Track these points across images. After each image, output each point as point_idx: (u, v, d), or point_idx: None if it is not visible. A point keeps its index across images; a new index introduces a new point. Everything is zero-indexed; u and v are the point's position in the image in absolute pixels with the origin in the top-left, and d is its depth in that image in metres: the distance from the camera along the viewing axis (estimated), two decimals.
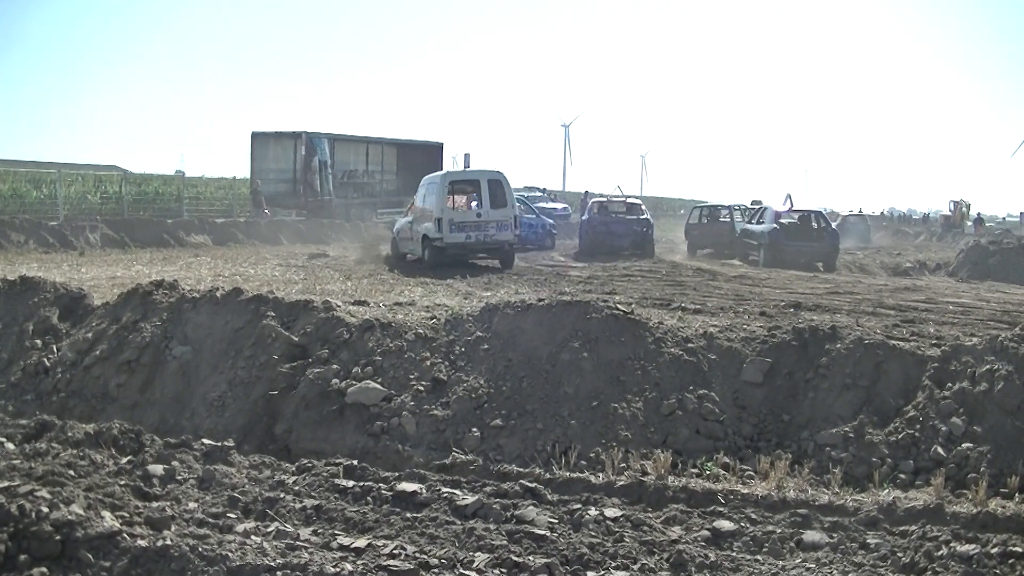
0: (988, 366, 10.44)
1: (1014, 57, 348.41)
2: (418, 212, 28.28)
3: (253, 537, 7.41)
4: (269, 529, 7.75)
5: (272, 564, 6.80)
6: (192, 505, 8.22)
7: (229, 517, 8.00)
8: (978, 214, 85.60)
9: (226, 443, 9.99)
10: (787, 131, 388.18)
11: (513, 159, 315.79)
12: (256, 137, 47.25)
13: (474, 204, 28.05)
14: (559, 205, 63.50)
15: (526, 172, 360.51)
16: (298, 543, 7.48)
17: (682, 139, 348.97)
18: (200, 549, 6.71)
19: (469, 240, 26.59)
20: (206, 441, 10.00)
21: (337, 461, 9.71)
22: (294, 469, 9.60)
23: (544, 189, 76.63)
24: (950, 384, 10.52)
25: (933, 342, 11.88)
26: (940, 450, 9.82)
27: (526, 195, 64.69)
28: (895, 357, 11.00)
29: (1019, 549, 7.87)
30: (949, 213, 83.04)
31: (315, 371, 11.20)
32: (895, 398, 10.63)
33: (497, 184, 27.37)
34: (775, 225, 32.11)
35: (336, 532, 7.99)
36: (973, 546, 7.94)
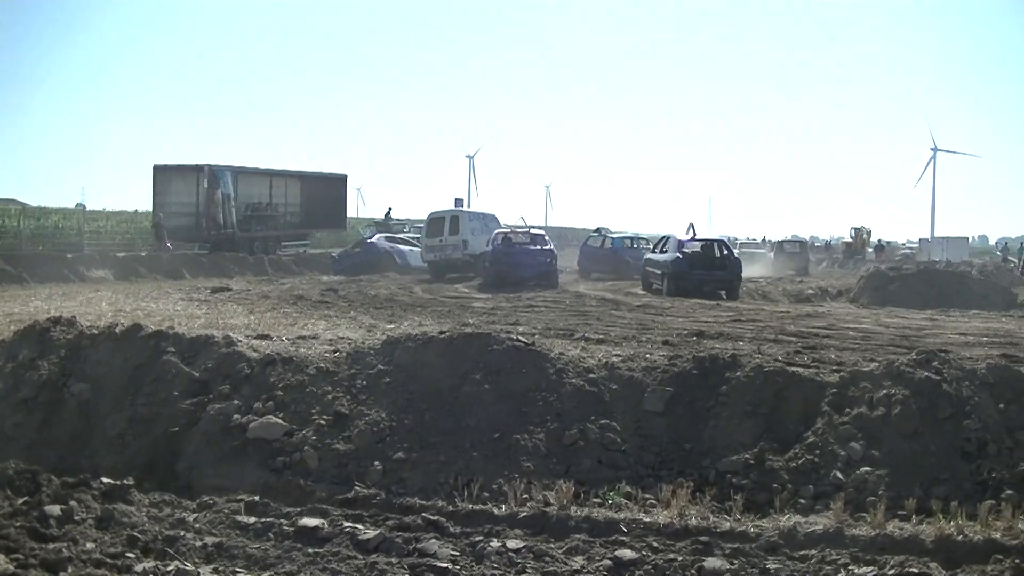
0: (885, 391, 10.66)
1: (915, 88, 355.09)
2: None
3: None
4: (169, 568, 7.70)
5: None
6: (90, 545, 8.11)
7: (128, 557, 7.93)
8: (879, 240, 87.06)
9: (126, 481, 9.84)
10: (691, 160, 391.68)
11: (418, 190, 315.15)
12: (158, 170, 46.80)
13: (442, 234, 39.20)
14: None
15: (432, 203, 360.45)
16: None
17: (587, 169, 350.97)
18: None
19: (436, 258, 39.67)
20: (105, 480, 9.83)
21: (239, 497, 9.64)
22: (195, 506, 9.52)
23: None
24: (849, 409, 10.72)
25: (834, 368, 12.06)
26: (839, 474, 9.99)
27: None
28: (794, 384, 11.18)
29: (915, 570, 8.06)
30: (851, 240, 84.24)
31: (216, 407, 11.10)
32: (795, 424, 10.79)
33: (455, 219, 40.05)
34: (678, 254, 32.34)
35: (237, 569, 7.98)
36: (871, 568, 8.13)
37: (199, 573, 7.71)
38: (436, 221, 40.65)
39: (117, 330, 12.72)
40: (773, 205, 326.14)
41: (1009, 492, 9.56)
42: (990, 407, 10.64)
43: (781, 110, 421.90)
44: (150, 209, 48.73)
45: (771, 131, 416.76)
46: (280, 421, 10.84)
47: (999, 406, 10.69)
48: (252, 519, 9.11)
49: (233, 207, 46.94)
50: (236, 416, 10.96)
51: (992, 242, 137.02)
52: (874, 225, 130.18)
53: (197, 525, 8.89)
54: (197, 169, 45.97)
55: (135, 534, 8.39)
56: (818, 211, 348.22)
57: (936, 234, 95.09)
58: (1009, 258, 67.69)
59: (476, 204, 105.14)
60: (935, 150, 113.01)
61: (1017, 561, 8.22)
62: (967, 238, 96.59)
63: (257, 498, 9.69)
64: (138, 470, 10.59)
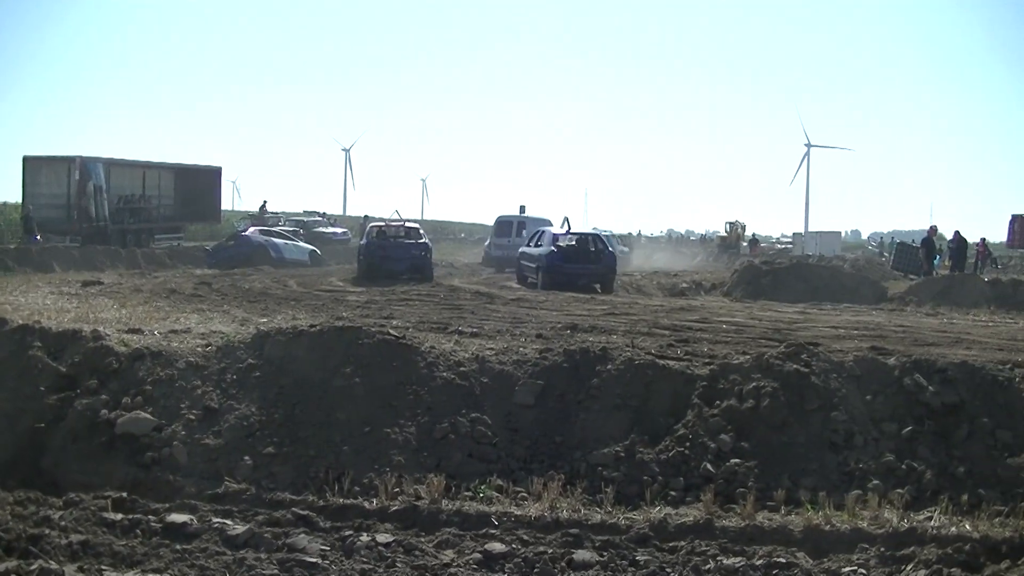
0: (755, 383, 10.87)
1: (789, 84, 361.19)
2: None
3: None
4: (32, 567, 7.56)
5: None
6: None
7: None
8: (753, 235, 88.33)
9: None
10: (567, 154, 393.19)
11: (294, 184, 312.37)
12: (28, 161, 45.71)
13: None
14: (339, 229, 64.16)
15: (308, 197, 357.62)
16: None
17: (462, 163, 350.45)
18: None
19: (503, 255, 44.29)
20: None
21: (106, 494, 9.52)
22: (61, 504, 9.37)
23: (324, 214, 76.44)
24: (719, 402, 10.91)
25: (705, 361, 12.26)
26: (709, 466, 10.17)
27: (305, 220, 64.60)
28: (665, 377, 11.34)
29: (783, 560, 8.26)
30: (725, 234, 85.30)
31: (83, 402, 10.93)
32: (665, 417, 10.96)
33: (520, 223, 45.57)
34: (553, 248, 32.43)
35: (103, 567, 7.89)
36: (740, 559, 8.31)
37: (64, 572, 7.60)
38: (504, 224, 47.78)
39: None
40: (650, 200, 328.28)
41: (875, 482, 9.86)
42: (857, 399, 10.92)
43: (658, 106, 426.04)
44: (19, 201, 47.68)
45: (648, 127, 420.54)
46: (149, 416, 10.72)
47: (866, 398, 10.97)
48: (119, 516, 9.01)
49: (105, 199, 45.98)
50: (104, 411, 10.80)
51: (864, 236, 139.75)
52: (750, 220, 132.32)
53: (63, 523, 8.75)
54: (68, 161, 44.96)
55: None
56: (694, 206, 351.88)
57: (810, 229, 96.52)
58: (885, 254, 69.02)
59: (352, 197, 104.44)
60: (808, 146, 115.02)
61: (883, 550, 8.48)
62: (840, 233, 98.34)
63: (125, 495, 9.58)
64: (1, 467, 10.39)
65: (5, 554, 7.93)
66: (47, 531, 8.44)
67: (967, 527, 8.88)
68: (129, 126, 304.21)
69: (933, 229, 43.85)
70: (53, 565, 7.70)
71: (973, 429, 10.60)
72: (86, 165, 44.96)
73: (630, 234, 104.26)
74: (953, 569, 7.96)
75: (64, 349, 11.90)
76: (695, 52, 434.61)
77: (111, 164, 48.00)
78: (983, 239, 44.31)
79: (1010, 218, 55.16)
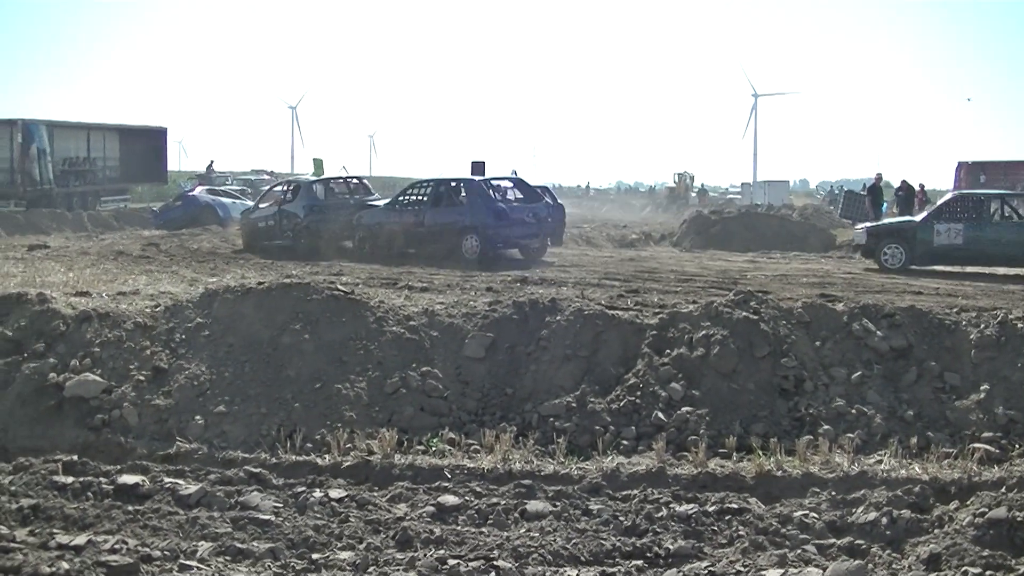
0: (704, 331, 10.95)
1: (743, 39, 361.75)
2: None
3: None
4: None
5: None
6: None
7: None
8: (702, 185, 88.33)
9: None
10: (515, 106, 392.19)
11: (242, 143, 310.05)
12: None
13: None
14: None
15: (255, 156, 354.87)
16: (13, 545, 7.34)
17: (410, 118, 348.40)
18: None
19: None
20: None
21: (56, 458, 9.48)
22: (10, 469, 9.34)
23: (272, 172, 75.86)
24: (668, 351, 10.98)
25: (655, 311, 12.28)
26: (661, 415, 10.26)
27: (253, 179, 63.98)
28: (614, 327, 11.39)
29: (735, 505, 8.36)
30: (674, 185, 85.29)
31: (31, 366, 10.83)
32: (615, 367, 11.03)
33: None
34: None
35: (55, 531, 7.87)
36: (692, 506, 8.39)
37: (15, 536, 7.58)
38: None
39: None
40: (599, 153, 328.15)
41: (826, 427, 9.98)
42: (807, 345, 11.03)
43: (606, 58, 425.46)
44: None
45: (596, 80, 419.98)
46: (98, 378, 10.66)
47: (815, 344, 11.09)
48: (70, 479, 8.98)
49: (49, 162, 45.34)
50: (52, 375, 10.71)
51: (813, 186, 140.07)
52: (699, 171, 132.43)
53: (12, 488, 8.72)
54: (10, 123, 44.20)
55: None
56: (643, 158, 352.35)
57: (759, 179, 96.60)
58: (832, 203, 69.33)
59: (300, 154, 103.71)
60: (755, 95, 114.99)
61: (834, 493, 8.59)
62: (788, 182, 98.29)
63: (75, 458, 9.55)
64: None
65: None
66: None
67: (916, 469, 9.04)
68: (72, 88, 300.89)
69: (879, 177, 44.02)
70: (3, 530, 7.69)
71: (921, 373, 10.74)
72: (28, 128, 44.28)
73: (579, 187, 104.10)
74: (903, 511, 8.07)
75: (9, 313, 11.77)
76: (643, 1, 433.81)
77: (54, 126, 47.33)
78: (921, 185, 44.46)
79: (956, 165, 55.32)
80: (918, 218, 25.29)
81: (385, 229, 24.97)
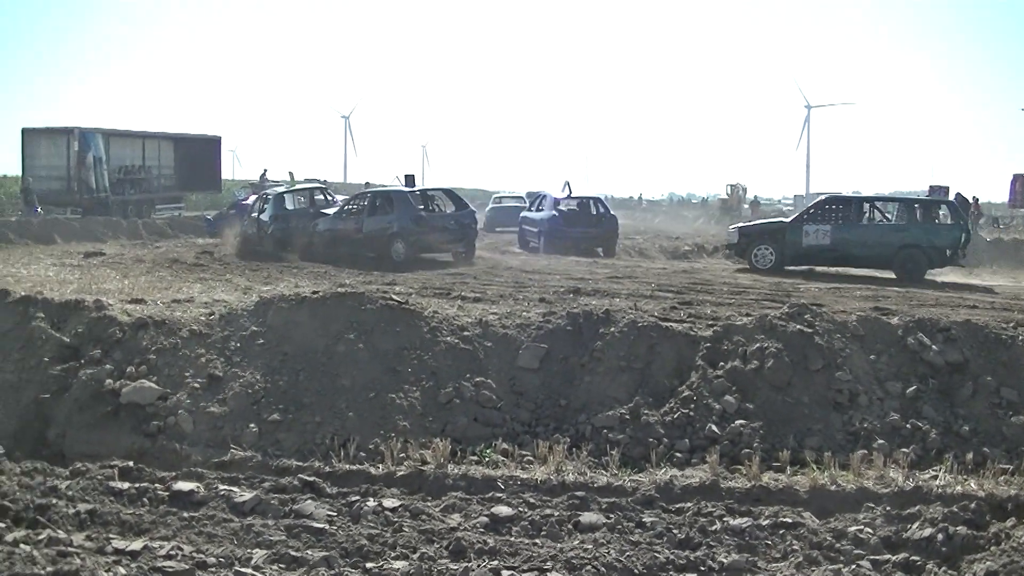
0: (758, 344, 10.89)
1: (795, 51, 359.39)
2: None
3: (23, 546, 7.25)
4: (41, 536, 7.57)
5: (41, 572, 6.71)
6: None
7: None
8: (754, 197, 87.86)
9: None
10: (568, 118, 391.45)
11: (295, 152, 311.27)
12: (27, 133, 45.51)
13: None
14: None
15: (309, 165, 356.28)
16: (70, 549, 7.37)
17: (464, 128, 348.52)
18: None
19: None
20: None
21: (112, 463, 9.56)
22: (68, 473, 9.41)
23: (325, 181, 76.07)
24: (722, 363, 10.93)
25: (709, 323, 12.27)
26: (714, 428, 10.20)
27: (307, 187, 64.00)
28: (668, 339, 11.35)
29: (789, 519, 8.29)
30: (726, 196, 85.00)
31: (88, 372, 10.91)
32: (669, 379, 10.98)
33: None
34: (554, 212, 32.48)
35: (111, 536, 7.91)
36: (745, 519, 8.32)
37: (72, 541, 7.62)
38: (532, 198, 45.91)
39: None
40: (651, 164, 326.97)
41: (880, 442, 9.88)
42: (861, 359, 10.95)
43: (659, 69, 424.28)
44: (19, 173, 47.55)
45: (649, 91, 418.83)
46: (153, 385, 10.72)
47: (869, 357, 11.00)
48: (126, 485, 9.03)
49: (105, 170, 45.80)
50: (108, 381, 10.79)
51: None
52: (752, 182, 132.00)
53: (69, 492, 8.76)
54: (67, 132, 44.73)
55: (5, 503, 8.24)
56: (695, 170, 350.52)
57: (812, 190, 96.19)
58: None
59: (353, 164, 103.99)
60: (808, 107, 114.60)
61: (888, 508, 8.51)
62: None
63: (131, 463, 9.62)
64: (7, 438, 10.37)
65: (13, 524, 7.93)
66: (54, 501, 8.46)
67: (972, 485, 8.92)
68: (128, 97, 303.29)
69: (932, 190, 43.76)
70: (61, 534, 7.72)
71: (977, 387, 10.63)
72: (85, 136, 44.76)
73: (631, 198, 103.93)
74: (959, 527, 7.97)
75: (67, 320, 11.88)
76: (696, 13, 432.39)
77: (110, 135, 47.80)
78: (975, 198, 44.09)
79: (1012, 178, 54.86)
80: (788, 219, 25.59)
81: (332, 235, 28.69)
